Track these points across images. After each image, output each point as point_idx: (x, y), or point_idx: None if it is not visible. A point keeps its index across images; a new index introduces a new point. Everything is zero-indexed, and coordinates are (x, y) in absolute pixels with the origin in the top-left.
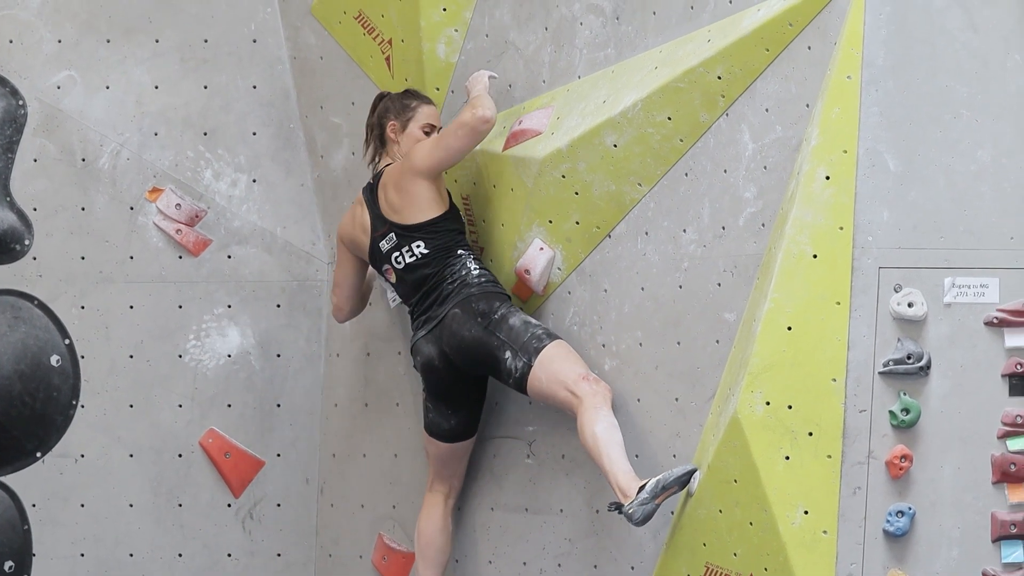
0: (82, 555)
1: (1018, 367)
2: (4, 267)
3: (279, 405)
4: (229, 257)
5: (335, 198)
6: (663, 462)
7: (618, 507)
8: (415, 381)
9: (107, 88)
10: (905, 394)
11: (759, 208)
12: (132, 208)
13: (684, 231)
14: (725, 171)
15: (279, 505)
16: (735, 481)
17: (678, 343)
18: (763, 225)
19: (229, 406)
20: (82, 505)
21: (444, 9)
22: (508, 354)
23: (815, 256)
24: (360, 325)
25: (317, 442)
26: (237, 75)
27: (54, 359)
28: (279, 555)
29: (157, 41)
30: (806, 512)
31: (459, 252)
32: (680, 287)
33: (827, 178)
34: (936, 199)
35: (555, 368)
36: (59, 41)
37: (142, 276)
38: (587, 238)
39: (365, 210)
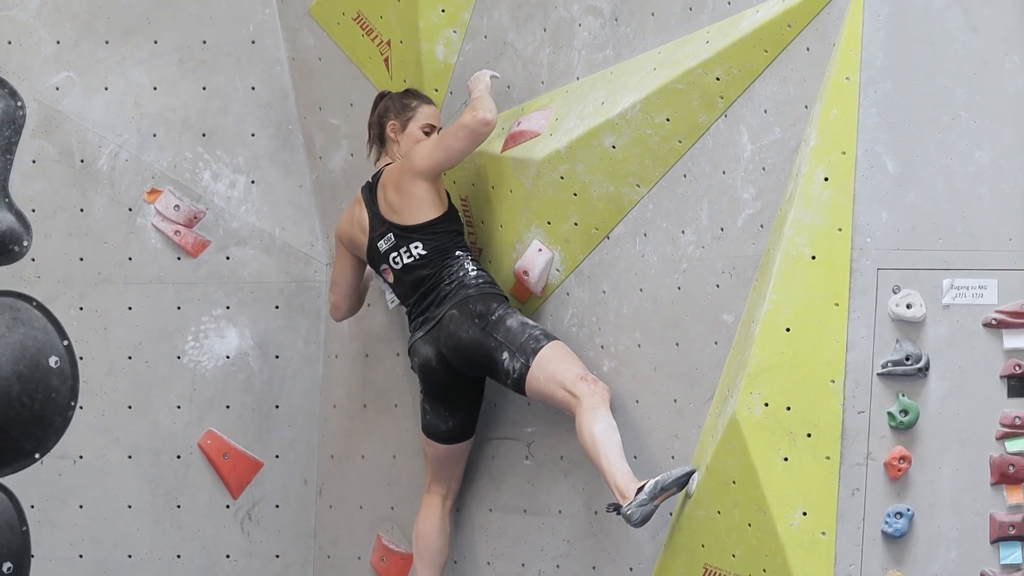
0: (80, 556)
1: (1016, 368)
2: (3, 268)
3: (277, 406)
4: (228, 258)
5: (334, 199)
6: (662, 463)
7: (616, 508)
8: (413, 382)
9: (106, 89)
10: (904, 395)
11: (758, 209)
12: (131, 209)
13: (683, 232)
14: (724, 172)
15: (277, 506)
16: (734, 482)
17: (677, 344)
18: (761, 226)
19: (227, 407)
20: (80, 506)
21: (443, 10)
22: (506, 355)
23: (814, 257)
24: (359, 326)
25: (315, 443)
26: (236, 76)
27: (52, 360)
28: (277, 556)
29: (156, 42)
30: (805, 513)
31: (457, 253)
32: (679, 288)
33: (826, 179)
34: (935, 200)
35: (553, 368)
36: (58, 42)
37: (141, 277)
38: (586, 239)
39: (363, 209)
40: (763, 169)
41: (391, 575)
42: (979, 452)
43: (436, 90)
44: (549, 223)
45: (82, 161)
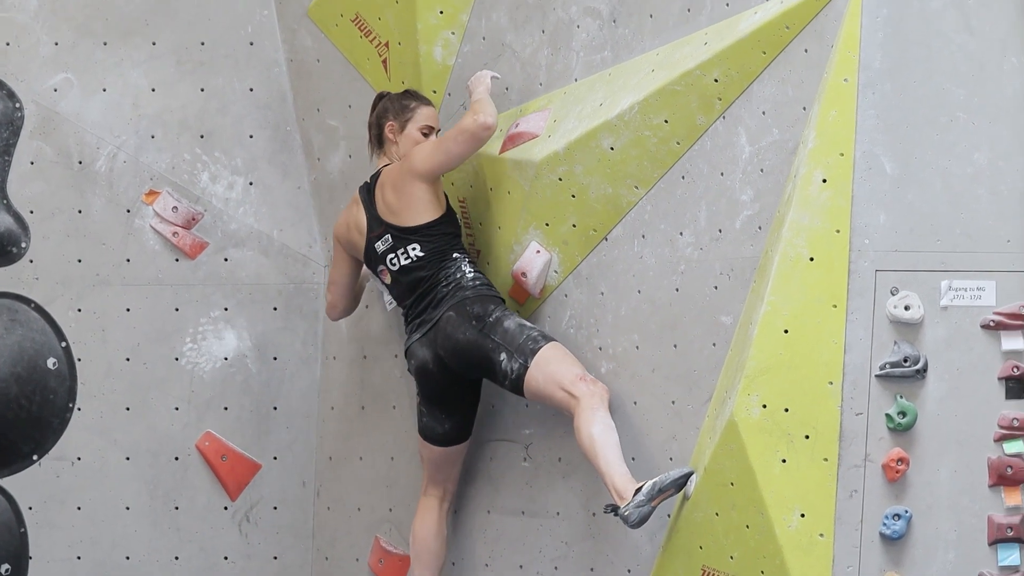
0: (79, 558)
1: (1014, 370)
2: (1, 270)
3: (276, 408)
4: (226, 260)
5: (332, 201)
6: (660, 465)
7: (614, 509)
8: (411, 384)
9: (104, 91)
10: (902, 397)
11: (756, 211)
12: (129, 211)
13: (681, 234)
14: (722, 174)
15: (275, 508)
16: (731, 484)
17: (675, 346)
18: (760, 228)
19: (225, 409)
20: (79, 508)
21: (441, 12)
22: (504, 356)
23: (812, 259)
24: (357, 328)
25: (313, 445)
26: (234, 78)
27: (50, 362)
28: (275, 558)
29: (154, 44)
30: (803, 515)
31: (454, 255)
32: (677, 290)
33: (824, 181)
34: (933, 202)
35: (552, 369)
36: (56, 44)
37: (139, 279)
38: (584, 241)
39: (361, 210)
40: (761, 171)
41: None
42: (977, 454)
43: (434, 91)
44: (547, 225)
45: (80, 162)
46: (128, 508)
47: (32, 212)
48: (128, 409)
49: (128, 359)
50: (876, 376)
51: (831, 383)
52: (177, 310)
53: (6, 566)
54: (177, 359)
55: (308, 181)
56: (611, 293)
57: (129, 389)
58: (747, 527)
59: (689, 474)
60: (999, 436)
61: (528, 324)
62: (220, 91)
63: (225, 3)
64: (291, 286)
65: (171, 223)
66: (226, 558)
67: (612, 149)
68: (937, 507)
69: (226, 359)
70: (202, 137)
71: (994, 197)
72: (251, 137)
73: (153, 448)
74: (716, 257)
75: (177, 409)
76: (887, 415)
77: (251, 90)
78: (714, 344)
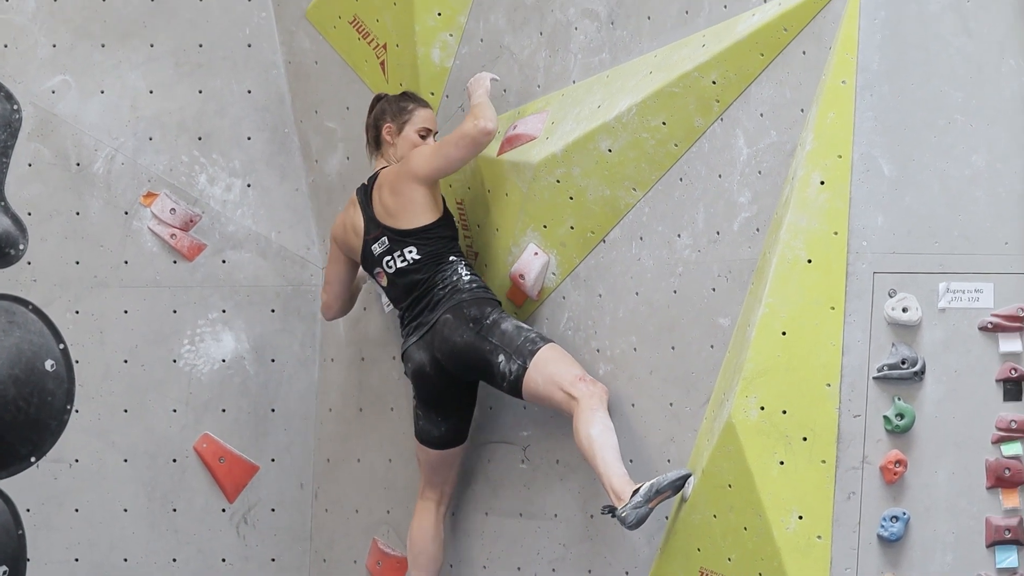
0: (76, 560)
1: (1012, 372)
2: None
3: (273, 410)
4: (223, 262)
5: (330, 203)
6: (658, 467)
7: (611, 510)
8: (409, 386)
9: (102, 93)
10: (899, 399)
11: (754, 213)
12: (127, 213)
13: (679, 236)
14: (720, 176)
15: (273, 510)
16: (729, 486)
17: (672, 348)
18: (758, 230)
19: (223, 411)
20: (76, 510)
21: (439, 14)
22: (502, 358)
23: (810, 261)
24: (355, 330)
25: (311, 447)
26: (232, 80)
27: (48, 364)
28: (273, 560)
29: (152, 46)
30: (800, 517)
31: (451, 258)
32: (675, 292)
33: (822, 183)
34: (931, 204)
35: (551, 370)
36: (54, 46)
37: (136, 281)
38: (582, 243)
39: (358, 212)
40: (759, 173)
41: None
42: (975, 456)
43: (432, 93)
44: (545, 227)
45: (78, 164)
46: (126, 510)
47: (30, 214)
48: (126, 411)
49: (126, 361)
50: (874, 378)
51: (829, 385)
52: (175, 312)
53: (4, 568)
54: (175, 361)
55: (306, 183)
56: (609, 295)
57: (127, 391)
58: (745, 529)
59: (687, 476)
60: (997, 438)
61: (525, 326)
62: (218, 93)
63: (223, 5)
64: (289, 288)
65: (169, 225)
66: (224, 560)
67: (610, 151)
68: (935, 509)
69: (224, 361)
70: (200, 139)
71: (992, 199)
72: (249, 139)
73: (151, 450)
74: (714, 259)
75: (175, 411)
76: (885, 417)
77: (249, 92)
78: (712, 346)
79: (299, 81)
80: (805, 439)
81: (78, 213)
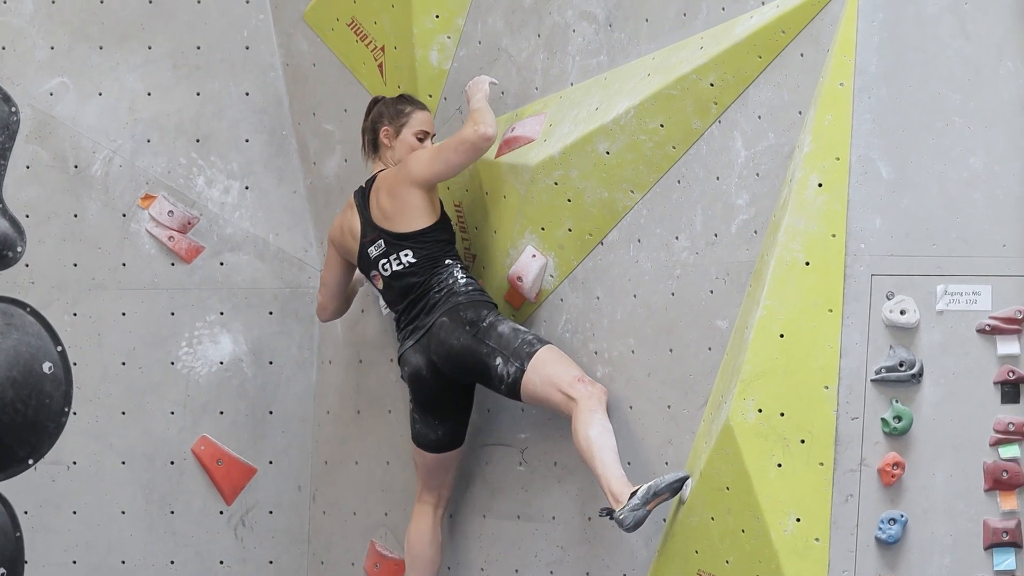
0: (74, 562)
1: (1010, 374)
2: None
3: (271, 412)
4: (221, 264)
5: (328, 205)
6: (656, 469)
7: (609, 512)
8: (407, 389)
9: (100, 95)
10: (897, 401)
11: (752, 215)
12: (125, 215)
13: (677, 238)
14: (718, 178)
15: (271, 512)
16: (727, 488)
17: (670, 350)
18: (756, 232)
19: (221, 413)
20: (74, 512)
21: (437, 16)
22: (499, 360)
23: (807, 263)
24: (352, 332)
25: (309, 449)
26: (230, 82)
27: (46, 366)
28: (271, 562)
29: (150, 48)
30: (798, 519)
31: (447, 262)
32: (672, 294)
33: (820, 185)
34: (928, 206)
35: (549, 371)
36: (52, 48)
37: (134, 283)
38: (580, 245)
39: (355, 214)
40: (757, 175)
41: None
42: (973, 458)
43: (430, 96)
44: (543, 229)
45: (76, 167)
46: (124, 512)
47: (28, 216)
48: (124, 413)
49: (124, 363)
50: (872, 380)
51: (827, 387)
52: (173, 314)
53: (2, 570)
54: (173, 363)
55: (304, 185)
56: (607, 297)
57: (125, 393)
58: (743, 531)
59: (685, 478)
60: (995, 440)
61: (522, 328)
62: (216, 95)
63: (221, 8)
64: (287, 290)
65: (167, 227)
66: (222, 562)
67: (608, 153)
68: (933, 511)
69: (222, 363)
70: (198, 141)
71: (990, 201)
72: (247, 141)
73: (149, 452)
74: (712, 261)
75: (173, 413)
76: (883, 419)
77: (247, 94)
78: (710, 348)
79: (297, 83)
80: (803, 441)
81: (76, 215)
